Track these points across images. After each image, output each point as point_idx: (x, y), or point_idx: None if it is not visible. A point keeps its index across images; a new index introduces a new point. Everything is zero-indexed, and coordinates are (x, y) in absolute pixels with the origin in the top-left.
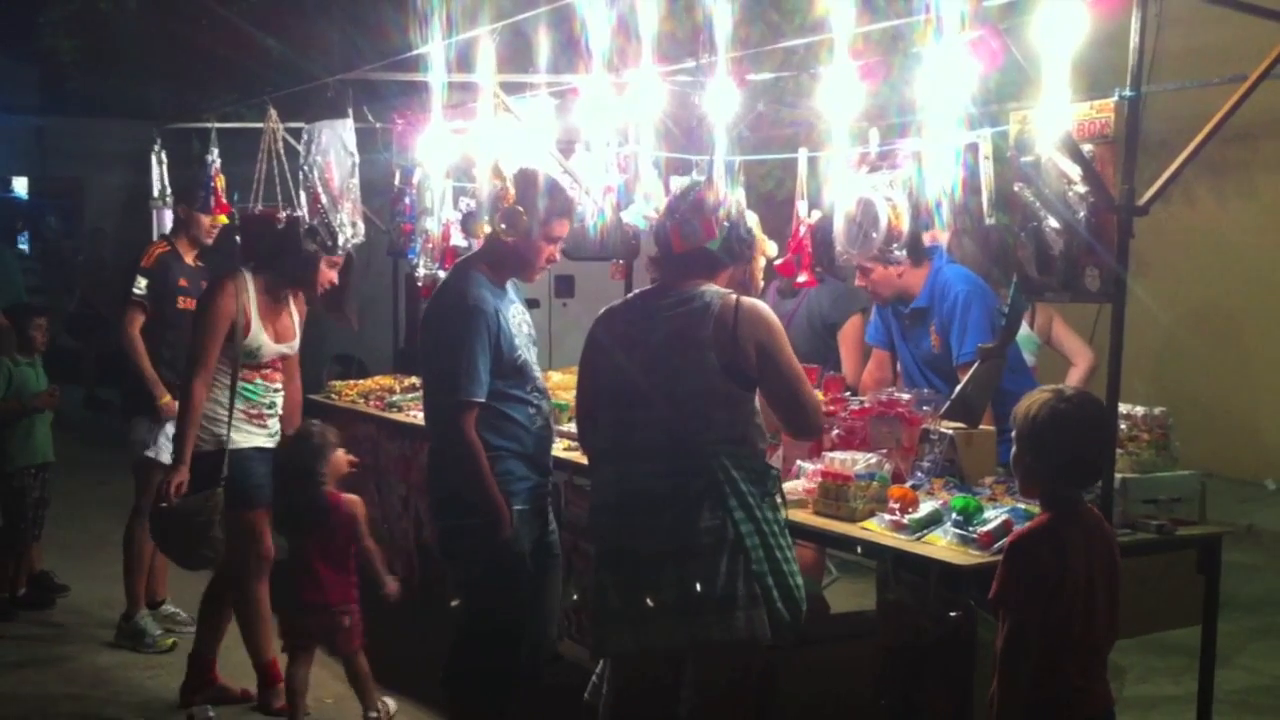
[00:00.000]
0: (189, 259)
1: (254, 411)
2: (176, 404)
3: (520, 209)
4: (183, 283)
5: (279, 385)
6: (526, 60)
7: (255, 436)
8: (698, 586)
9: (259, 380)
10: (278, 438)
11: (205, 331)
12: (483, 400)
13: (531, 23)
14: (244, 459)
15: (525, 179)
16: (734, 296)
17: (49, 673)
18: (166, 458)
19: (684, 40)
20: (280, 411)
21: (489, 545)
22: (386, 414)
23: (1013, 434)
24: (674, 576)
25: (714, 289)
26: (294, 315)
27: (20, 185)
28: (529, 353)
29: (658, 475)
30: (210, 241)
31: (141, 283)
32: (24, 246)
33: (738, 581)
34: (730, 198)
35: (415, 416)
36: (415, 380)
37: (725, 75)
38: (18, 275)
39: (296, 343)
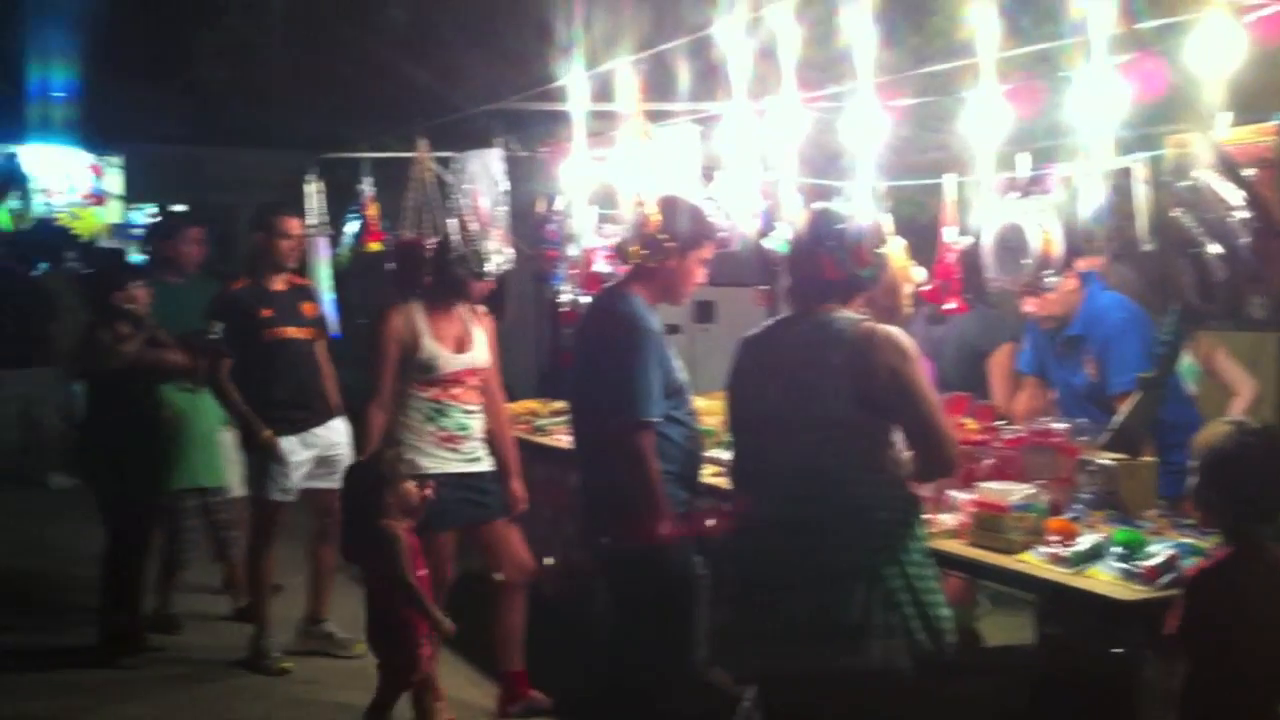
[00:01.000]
0: (278, 285)
1: (444, 435)
2: (278, 438)
3: (666, 235)
4: (266, 313)
5: (472, 407)
6: (668, 88)
7: (448, 462)
8: (831, 614)
9: (446, 401)
10: (481, 463)
11: (375, 358)
12: (656, 419)
13: (672, 50)
14: (434, 483)
15: (670, 205)
16: (868, 323)
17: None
18: (276, 494)
19: (825, 65)
20: (479, 435)
21: (651, 567)
22: (533, 437)
23: (1191, 465)
24: (808, 604)
25: (848, 315)
26: (475, 328)
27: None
28: (683, 374)
29: (793, 502)
30: (292, 263)
31: (217, 327)
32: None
33: (874, 610)
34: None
35: (562, 440)
36: (561, 404)
37: (869, 101)
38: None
39: (485, 357)
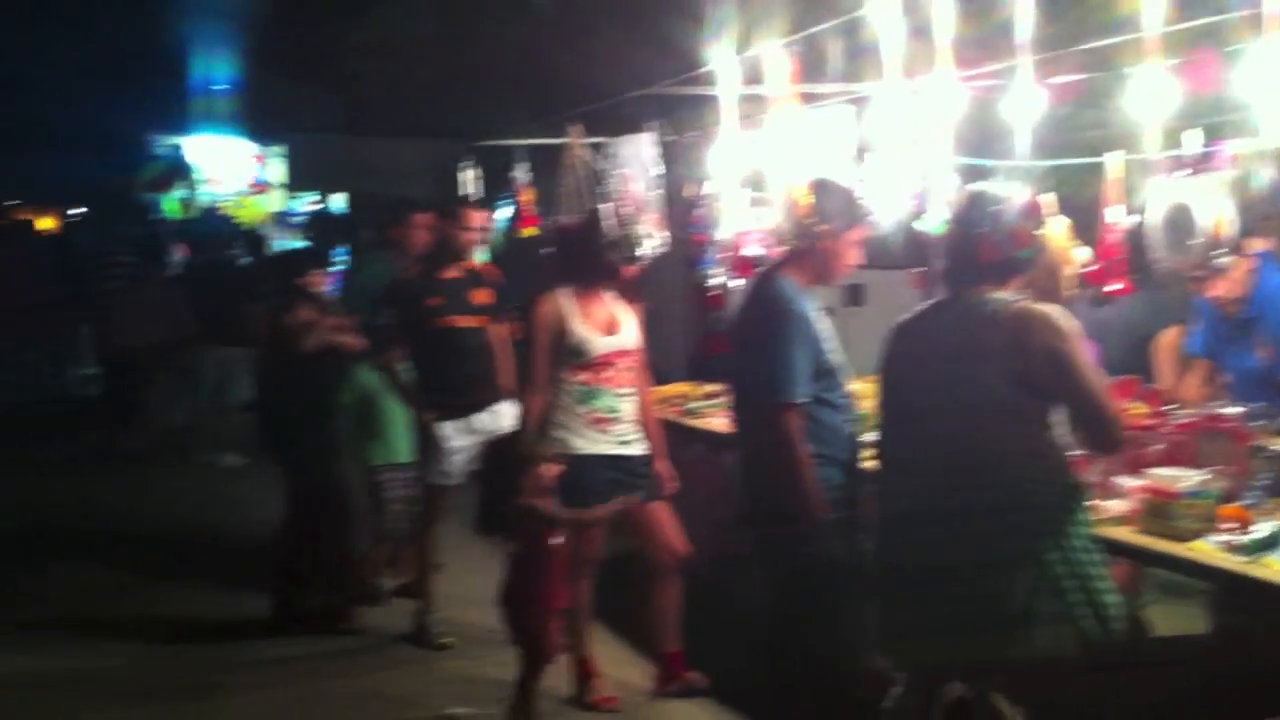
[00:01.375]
0: (451, 273)
1: (594, 417)
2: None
3: (819, 218)
4: (435, 301)
5: (623, 390)
6: (819, 69)
7: (598, 443)
8: (994, 602)
9: (597, 384)
10: (632, 445)
11: (531, 345)
12: (803, 401)
13: (823, 31)
14: (581, 463)
15: (822, 188)
16: (1023, 303)
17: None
18: (437, 477)
19: (982, 42)
20: (631, 418)
21: (804, 553)
22: (685, 420)
23: None
24: (968, 591)
25: (1003, 296)
26: (624, 311)
27: (337, 201)
28: (837, 357)
29: (950, 489)
30: (472, 252)
31: (384, 313)
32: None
33: (1038, 598)
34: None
35: (713, 423)
36: (712, 388)
37: (1028, 78)
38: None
39: (634, 339)
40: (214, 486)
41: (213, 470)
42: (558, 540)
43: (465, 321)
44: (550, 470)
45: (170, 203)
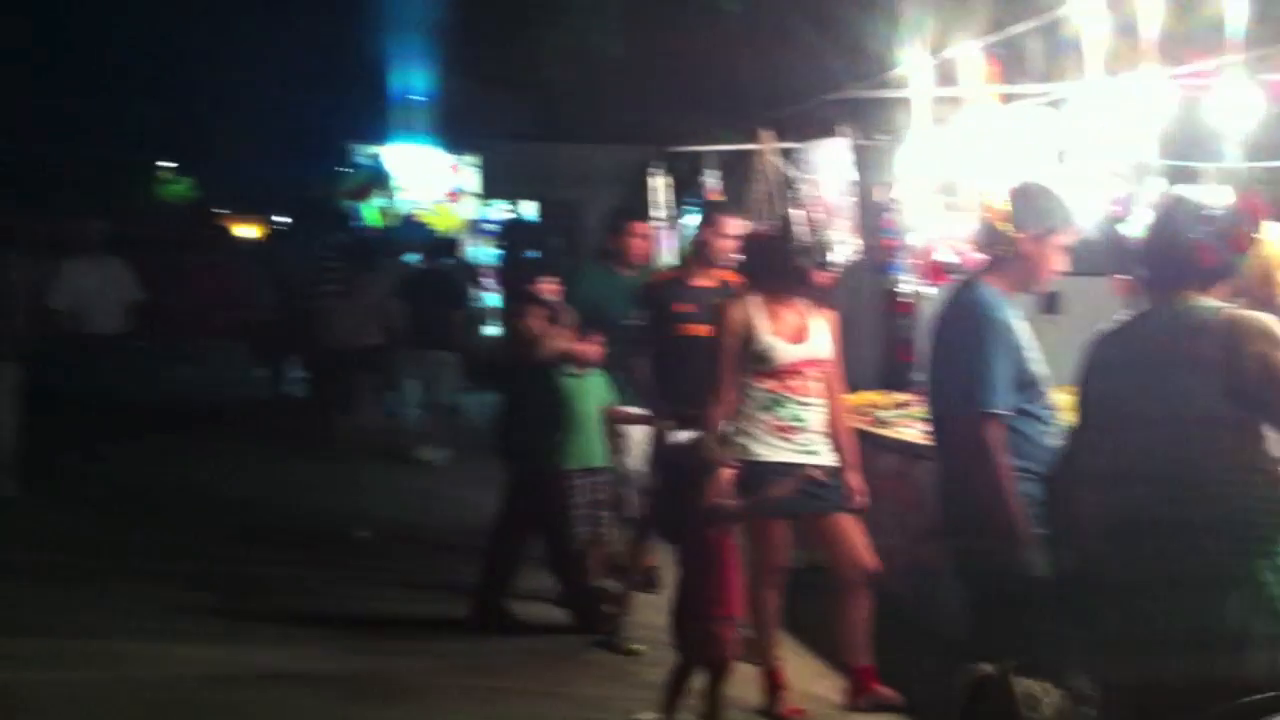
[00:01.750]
0: (704, 281)
1: (779, 425)
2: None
3: (1020, 223)
4: (682, 308)
5: (808, 400)
6: (1016, 69)
7: (781, 451)
8: (1206, 622)
9: (782, 392)
10: (818, 456)
11: (717, 350)
12: (1004, 412)
13: (1021, 30)
14: (762, 471)
15: (1024, 192)
16: (1232, 310)
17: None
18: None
19: (1190, 39)
20: (817, 428)
21: (1005, 568)
22: (875, 430)
23: None
24: (1173, 609)
25: (1210, 303)
26: (815, 320)
27: (527, 208)
28: (1040, 367)
29: (1155, 503)
30: (726, 260)
31: (635, 315)
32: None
33: (1253, 619)
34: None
35: (905, 433)
36: (902, 397)
37: (1239, 76)
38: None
39: (825, 349)
40: (424, 481)
41: (422, 466)
42: (733, 546)
43: (709, 331)
44: (733, 477)
45: (370, 211)
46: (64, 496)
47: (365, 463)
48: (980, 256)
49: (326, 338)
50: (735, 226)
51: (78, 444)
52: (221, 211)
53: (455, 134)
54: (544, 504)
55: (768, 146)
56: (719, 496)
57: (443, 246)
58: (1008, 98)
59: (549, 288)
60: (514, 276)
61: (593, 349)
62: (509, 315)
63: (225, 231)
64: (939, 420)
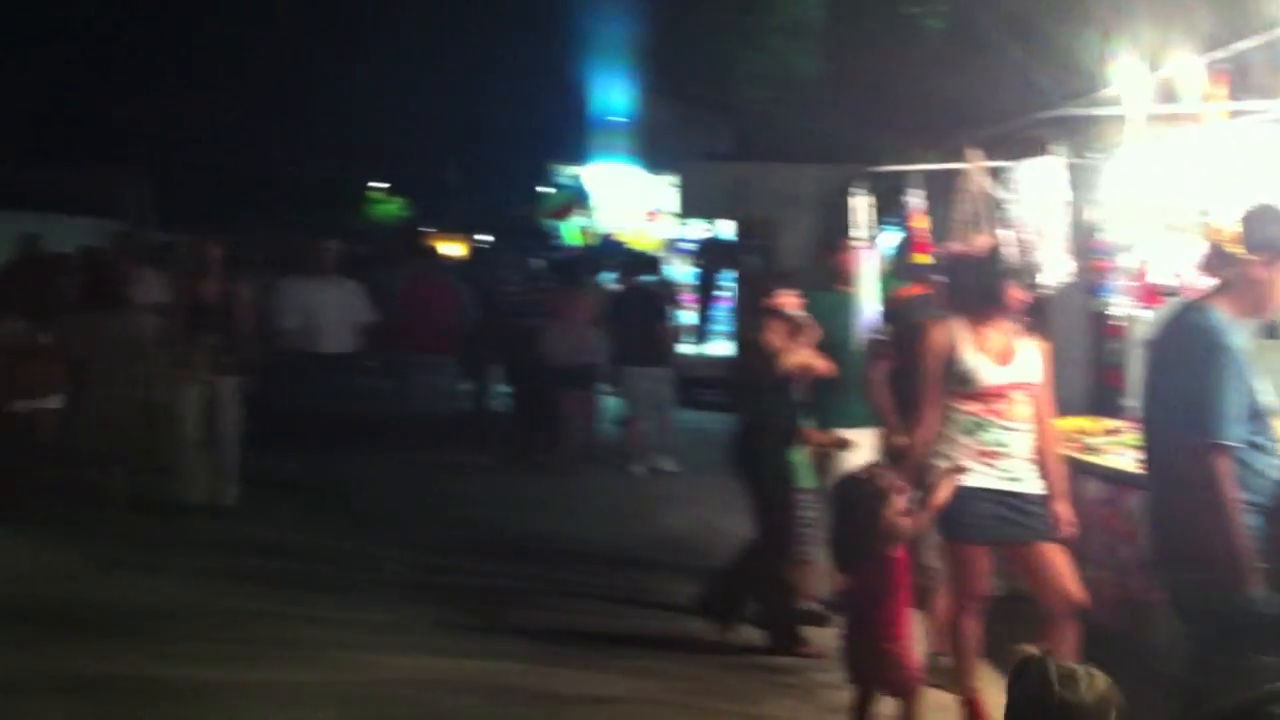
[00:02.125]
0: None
1: (981, 449)
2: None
3: (1253, 245)
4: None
5: (1014, 424)
6: (1241, 84)
7: (984, 476)
8: None
9: (986, 415)
10: (1022, 482)
11: (922, 372)
12: (1234, 443)
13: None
14: (963, 496)
15: (1258, 215)
16: None
17: None
18: None
19: None
20: (1023, 454)
21: (1228, 602)
22: (1084, 457)
23: None
24: None
25: None
26: (1023, 343)
27: (725, 227)
28: (1268, 396)
29: None
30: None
31: (884, 330)
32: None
33: None
34: None
35: (1115, 460)
36: (1114, 423)
37: None
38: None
39: (1032, 373)
40: (635, 494)
41: (633, 479)
42: (906, 571)
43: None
44: (902, 506)
45: (570, 230)
46: (285, 507)
47: (576, 477)
48: (1206, 280)
49: (540, 355)
50: (940, 247)
51: (300, 458)
52: (428, 230)
53: (654, 154)
54: (769, 520)
55: (975, 166)
56: (894, 521)
57: (644, 265)
58: (1232, 114)
59: (790, 301)
60: (751, 290)
61: (829, 365)
62: (747, 329)
63: (433, 250)
64: (1156, 448)
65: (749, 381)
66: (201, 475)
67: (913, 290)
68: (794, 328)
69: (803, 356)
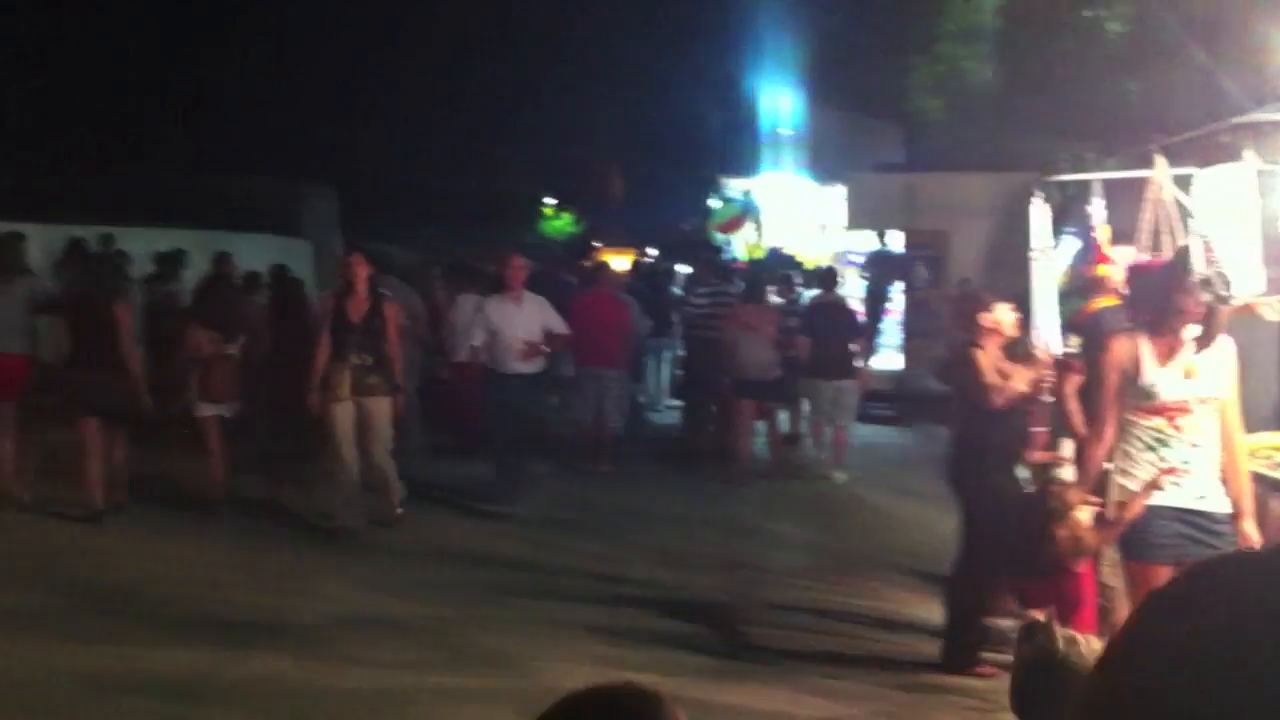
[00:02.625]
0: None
1: (1163, 465)
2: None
3: None
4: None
5: (1198, 440)
6: None
7: (1167, 493)
8: None
9: (1169, 430)
10: (1207, 500)
11: (1099, 385)
12: None
13: None
14: (1147, 513)
15: None
16: None
17: None
18: None
19: None
20: (1208, 471)
21: None
22: (1275, 474)
23: None
24: None
25: None
26: (1209, 357)
27: (892, 239)
28: None
29: None
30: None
31: (1073, 340)
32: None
33: None
34: None
35: None
36: None
37: None
38: None
39: (1218, 386)
40: (829, 503)
41: (830, 488)
42: (1088, 588)
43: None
44: (1088, 525)
45: (740, 243)
46: (457, 517)
47: (768, 486)
48: None
49: (732, 368)
50: (1124, 257)
51: (476, 470)
52: (597, 244)
53: (822, 165)
54: (978, 539)
55: (1159, 173)
56: (1079, 536)
57: (829, 278)
58: None
59: (1007, 318)
60: (969, 306)
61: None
62: (960, 348)
63: (605, 265)
64: None
65: (963, 402)
66: (356, 492)
67: (1102, 302)
68: (1015, 347)
69: (1019, 381)
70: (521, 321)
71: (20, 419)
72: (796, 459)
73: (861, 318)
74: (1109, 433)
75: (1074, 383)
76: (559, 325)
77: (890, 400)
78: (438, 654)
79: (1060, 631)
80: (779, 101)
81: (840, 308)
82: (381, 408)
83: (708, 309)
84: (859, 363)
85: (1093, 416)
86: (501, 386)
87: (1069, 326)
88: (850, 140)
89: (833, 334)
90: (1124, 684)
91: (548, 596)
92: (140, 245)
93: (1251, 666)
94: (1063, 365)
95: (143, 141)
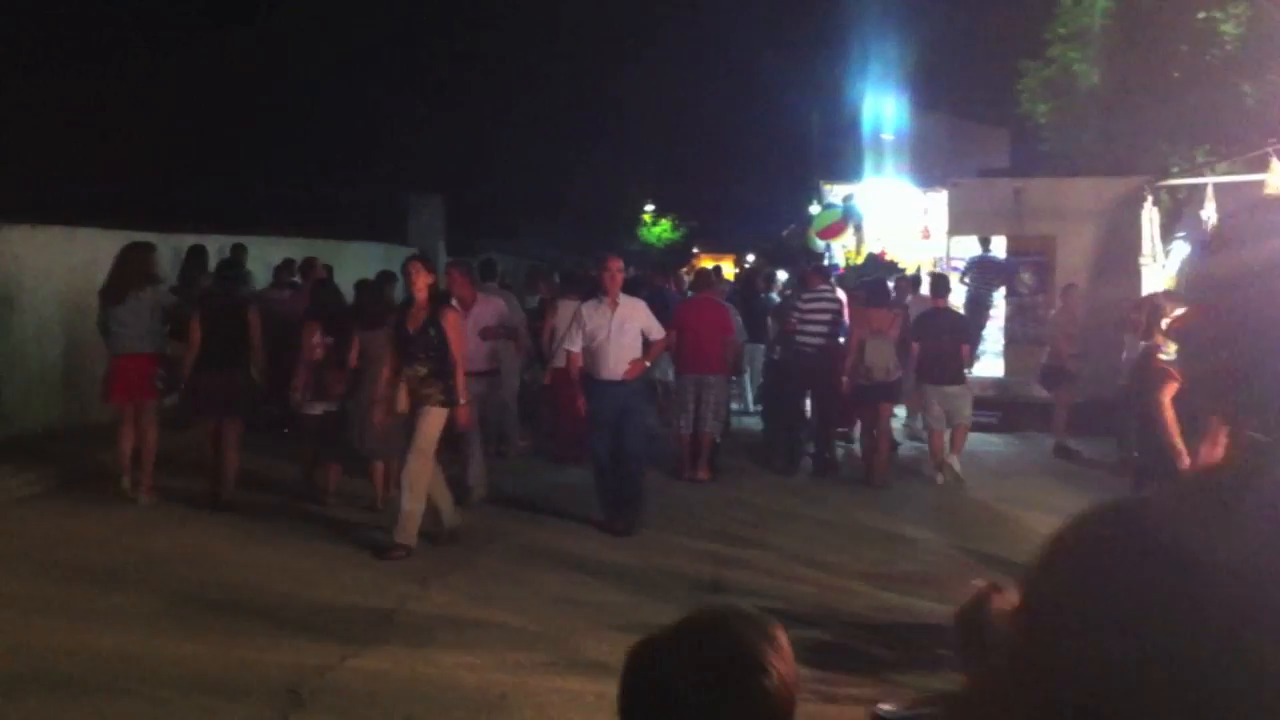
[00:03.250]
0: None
1: None
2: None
3: None
4: None
5: None
6: None
7: None
8: None
9: None
10: None
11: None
12: None
13: None
14: None
15: None
16: None
17: None
18: None
19: None
20: None
21: None
22: None
23: None
24: None
25: None
26: None
27: (997, 244)
28: None
29: None
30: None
31: (1170, 348)
32: (999, 303)
33: None
34: None
35: None
36: None
37: None
38: None
39: None
40: (941, 503)
41: (940, 488)
42: None
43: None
44: None
45: (841, 248)
46: (582, 526)
47: (883, 489)
48: None
49: (859, 371)
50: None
51: (575, 474)
52: (696, 251)
53: (925, 170)
54: None
55: (1275, 176)
56: None
57: (940, 285)
58: None
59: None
60: (1151, 313)
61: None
62: (1149, 351)
63: (705, 271)
64: None
65: (1146, 410)
66: (445, 497)
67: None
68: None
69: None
70: (619, 326)
71: (156, 418)
72: (893, 461)
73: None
74: (1219, 440)
75: (1169, 391)
76: (657, 330)
77: (993, 408)
78: (539, 657)
79: (985, 596)
80: (882, 106)
81: (950, 313)
82: (427, 418)
83: (813, 315)
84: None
85: (1198, 425)
86: (600, 394)
87: (1167, 333)
88: (954, 145)
89: (943, 339)
90: (1028, 630)
91: (653, 603)
92: (254, 253)
93: (1135, 617)
94: (1161, 373)
95: (262, 156)
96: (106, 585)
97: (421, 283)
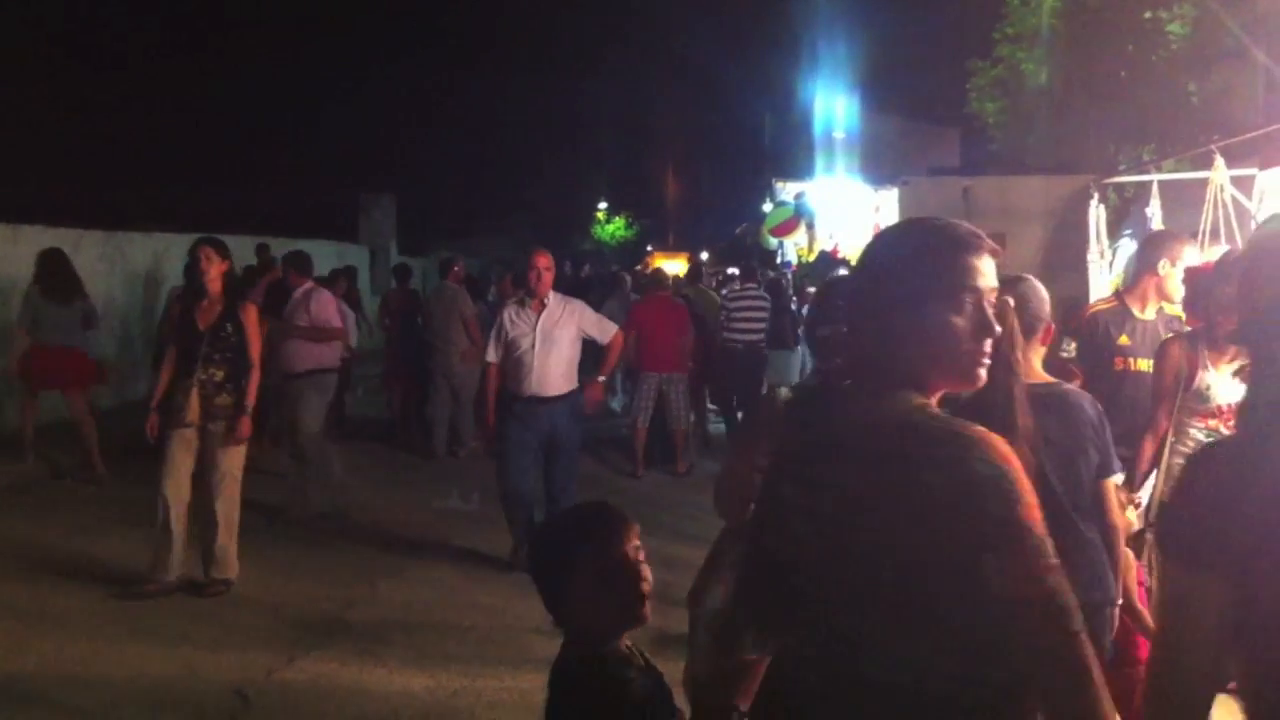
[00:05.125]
0: (1147, 314)
1: None
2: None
3: None
4: (1122, 340)
5: None
6: None
7: None
8: None
9: (1224, 432)
10: None
11: (1155, 391)
12: None
13: None
14: None
15: None
16: None
17: None
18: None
19: None
20: None
21: None
22: None
23: None
24: None
25: None
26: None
27: None
28: None
29: None
30: (1176, 300)
31: (1071, 346)
32: None
33: None
34: None
35: None
36: None
37: None
38: None
39: None
40: None
41: None
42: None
43: (1148, 367)
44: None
45: (794, 246)
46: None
47: None
48: None
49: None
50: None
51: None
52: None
53: (876, 169)
54: None
55: (1219, 175)
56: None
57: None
58: None
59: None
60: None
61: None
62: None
63: (661, 271)
64: None
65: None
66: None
67: (1110, 304)
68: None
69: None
70: (546, 333)
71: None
72: None
73: None
74: (1160, 434)
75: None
76: (608, 329)
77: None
78: (489, 655)
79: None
80: (834, 106)
81: None
82: (228, 453)
83: (739, 312)
84: None
85: (1145, 419)
86: (522, 414)
87: (1067, 330)
88: (905, 144)
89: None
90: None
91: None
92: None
93: None
94: (1061, 367)
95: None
96: (54, 586)
97: (215, 271)
